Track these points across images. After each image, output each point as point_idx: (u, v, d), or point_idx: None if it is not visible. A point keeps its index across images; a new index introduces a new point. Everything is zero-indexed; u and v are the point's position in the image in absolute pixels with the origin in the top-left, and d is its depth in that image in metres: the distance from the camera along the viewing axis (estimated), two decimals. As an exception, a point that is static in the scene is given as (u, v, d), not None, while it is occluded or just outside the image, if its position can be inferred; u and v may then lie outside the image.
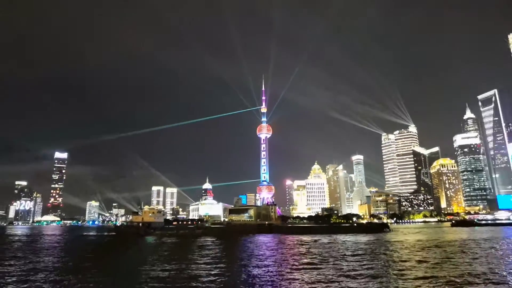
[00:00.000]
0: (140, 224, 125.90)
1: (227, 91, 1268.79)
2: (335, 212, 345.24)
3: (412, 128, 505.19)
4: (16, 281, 29.41)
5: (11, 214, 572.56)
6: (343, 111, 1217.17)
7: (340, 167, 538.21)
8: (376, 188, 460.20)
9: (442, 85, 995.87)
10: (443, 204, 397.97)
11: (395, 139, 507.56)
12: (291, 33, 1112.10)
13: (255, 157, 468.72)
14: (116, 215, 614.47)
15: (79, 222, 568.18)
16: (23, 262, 43.01)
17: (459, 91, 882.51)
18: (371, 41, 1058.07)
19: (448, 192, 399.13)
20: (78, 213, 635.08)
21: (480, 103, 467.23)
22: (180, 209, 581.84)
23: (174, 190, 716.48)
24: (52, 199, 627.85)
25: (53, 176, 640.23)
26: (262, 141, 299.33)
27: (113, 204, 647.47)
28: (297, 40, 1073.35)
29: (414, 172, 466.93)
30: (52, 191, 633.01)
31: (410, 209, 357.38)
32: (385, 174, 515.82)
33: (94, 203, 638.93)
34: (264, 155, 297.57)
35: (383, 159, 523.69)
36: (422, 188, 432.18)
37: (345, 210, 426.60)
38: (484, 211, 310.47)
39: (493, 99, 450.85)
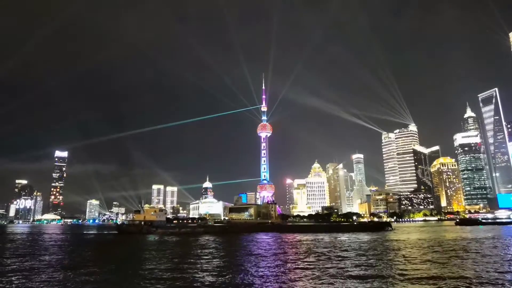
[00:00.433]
0: (142, 223, 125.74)
1: (227, 90, 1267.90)
2: (335, 210, 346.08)
3: (413, 127, 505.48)
4: (17, 281, 29.36)
5: (12, 213, 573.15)
6: (344, 109, 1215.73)
7: (340, 165, 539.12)
8: (376, 186, 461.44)
9: (443, 84, 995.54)
10: (443, 203, 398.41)
11: (395, 138, 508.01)
12: (291, 33, 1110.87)
13: (255, 156, 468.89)
14: (117, 213, 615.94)
15: (80, 221, 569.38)
16: (24, 260, 42.99)
17: (460, 90, 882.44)
18: (372, 39, 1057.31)
19: (448, 191, 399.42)
20: (79, 211, 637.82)
21: (480, 102, 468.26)
22: (181, 208, 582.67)
23: (175, 188, 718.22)
24: (52, 198, 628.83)
25: (53, 174, 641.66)
26: (262, 140, 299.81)
27: (114, 202, 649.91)
28: (297, 39, 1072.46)
29: (414, 171, 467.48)
30: (52, 189, 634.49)
31: (410, 208, 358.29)
32: (385, 172, 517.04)
33: (95, 202, 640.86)
34: (264, 154, 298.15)
35: (383, 157, 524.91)
36: (422, 187, 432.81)
37: (345, 209, 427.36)
38: (484, 210, 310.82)
39: (494, 97, 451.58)
